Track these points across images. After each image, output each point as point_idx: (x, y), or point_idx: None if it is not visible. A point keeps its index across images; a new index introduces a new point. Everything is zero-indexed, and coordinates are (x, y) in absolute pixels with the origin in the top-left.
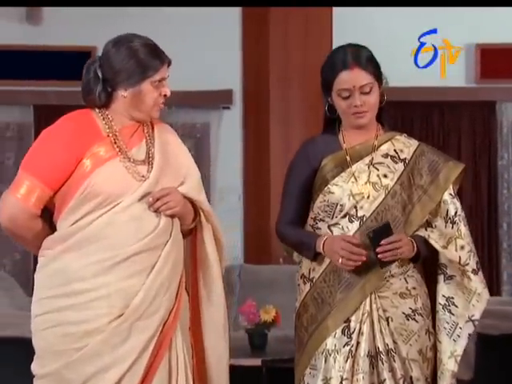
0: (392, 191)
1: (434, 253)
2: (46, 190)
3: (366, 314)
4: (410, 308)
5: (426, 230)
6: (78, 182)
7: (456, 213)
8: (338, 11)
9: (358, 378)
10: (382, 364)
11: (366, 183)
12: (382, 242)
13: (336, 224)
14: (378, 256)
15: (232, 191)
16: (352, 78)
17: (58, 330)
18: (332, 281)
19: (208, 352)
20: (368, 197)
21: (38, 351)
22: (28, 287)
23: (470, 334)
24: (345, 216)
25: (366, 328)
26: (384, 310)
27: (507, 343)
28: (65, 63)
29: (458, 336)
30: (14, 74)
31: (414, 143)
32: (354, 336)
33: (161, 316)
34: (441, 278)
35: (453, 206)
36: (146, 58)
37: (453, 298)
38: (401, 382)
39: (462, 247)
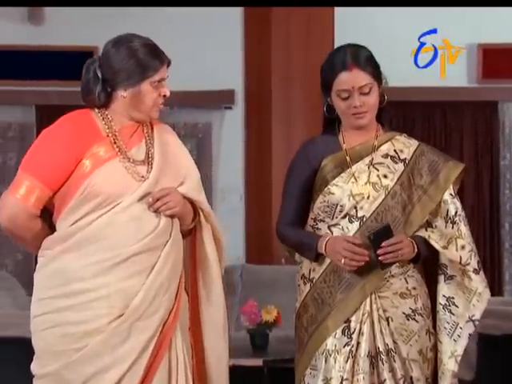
0: (392, 191)
1: (435, 253)
2: (46, 190)
3: (366, 315)
4: (410, 308)
5: (426, 230)
6: (77, 182)
7: (456, 213)
8: (339, 11)
9: (358, 378)
10: (383, 364)
11: (366, 183)
12: (383, 244)
13: (336, 224)
14: (379, 258)
15: (234, 191)
16: (351, 78)
17: (57, 330)
18: (332, 281)
19: (208, 352)
20: (368, 197)
21: (38, 351)
22: (30, 287)
23: (470, 334)
24: (345, 216)
25: (366, 328)
26: (384, 310)
27: (509, 343)
28: (67, 63)
29: (459, 336)
30: (16, 74)
31: (414, 143)
32: (355, 336)
33: (160, 316)
34: (441, 278)
35: (453, 205)
36: (146, 58)
37: (453, 297)
38: (401, 382)
39: (463, 247)
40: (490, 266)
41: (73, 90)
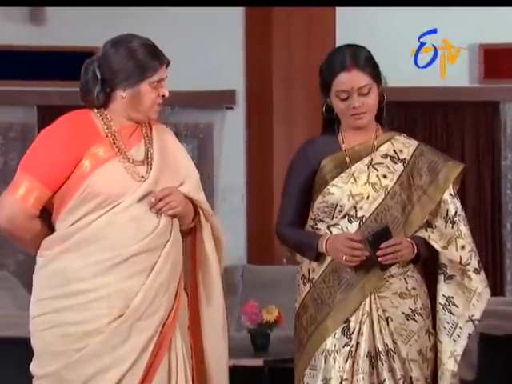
0: (391, 192)
1: (434, 253)
2: (45, 190)
3: (365, 315)
4: (410, 308)
5: (426, 230)
6: (77, 182)
7: (456, 213)
8: (341, 11)
9: (357, 378)
10: (382, 364)
11: (365, 184)
12: (382, 246)
13: (336, 224)
14: (379, 259)
15: (235, 191)
16: (350, 79)
17: (56, 330)
18: (332, 281)
19: (207, 352)
20: (367, 197)
21: (37, 352)
22: (31, 288)
23: (470, 334)
24: (344, 216)
25: (365, 328)
26: (384, 310)
27: (511, 343)
28: (68, 63)
29: (458, 336)
30: (18, 74)
31: (414, 143)
32: (354, 336)
33: (160, 316)
34: (441, 277)
35: (453, 206)
36: (145, 58)
37: (453, 297)
38: (400, 382)
39: (463, 247)
40: (492, 267)
41: (74, 91)
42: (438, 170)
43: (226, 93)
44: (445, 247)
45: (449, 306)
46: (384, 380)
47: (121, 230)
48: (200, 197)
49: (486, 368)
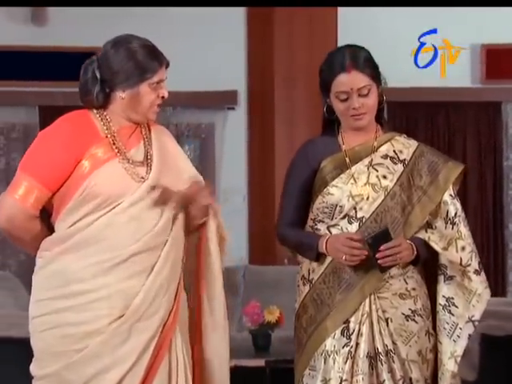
0: (391, 192)
1: (435, 254)
2: (45, 190)
3: (365, 315)
4: (410, 309)
5: (426, 231)
6: (76, 183)
7: (456, 214)
8: (342, 11)
9: (357, 379)
10: (382, 365)
11: (365, 184)
12: (382, 248)
13: (335, 225)
14: (378, 262)
15: (237, 192)
16: (349, 80)
17: (56, 331)
18: (331, 282)
19: (209, 353)
20: (367, 198)
21: (37, 353)
22: None
23: (470, 335)
24: (344, 217)
25: (365, 329)
26: (383, 311)
27: None
28: (70, 64)
29: (458, 336)
30: (20, 74)
31: (414, 144)
32: (353, 337)
33: (160, 317)
34: (441, 278)
35: (453, 206)
36: (145, 59)
37: (453, 298)
38: (400, 383)
39: (463, 248)
40: (494, 267)
41: (76, 91)
42: (438, 170)
43: (227, 93)
44: (445, 248)
45: (449, 306)
46: (383, 381)
47: (121, 230)
48: None
49: (487, 368)
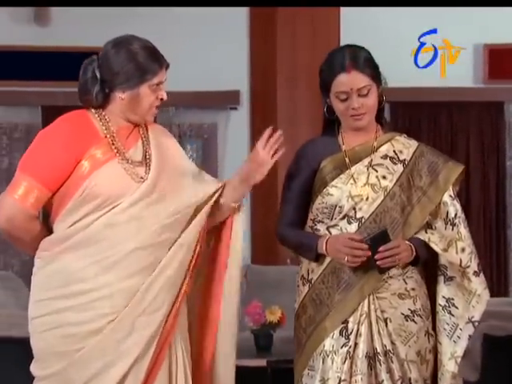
0: (391, 193)
1: (434, 254)
2: (44, 190)
3: (364, 315)
4: (409, 309)
5: (426, 232)
6: (76, 183)
7: (456, 215)
8: (345, 11)
9: (356, 379)
10: (380, 365)
11: (364, 185)
12: (380, 249)
13: (335, 225)
14: (377, 263)
15: None
16: (349, 80)
17: (57, 331)
18: (330, 282)
19: (217, 350)
20: (367, 198)
21: (38, 353)
22: None
23: (470, 336)
24: (344, 218)
25: (363, 329)
26: (382, 311)
27: None
28: (73, 64)
29: (459, 337)
30: (23, 74)
31: (414, 144)
32: (352, 337)
33: (163, 313)
34: (441, 279)
35: (453, 207)
36: (145, 61)
37: (453, 299)
38: (399, 383)
39: (463, 249)
40: (496, 267)
41: None
42: (438, 170)
43: (230, 93)
44: (445, 250)
45: (449, 307)
46: (382, 381)
47: (121, 229)
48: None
49: (489, 369)
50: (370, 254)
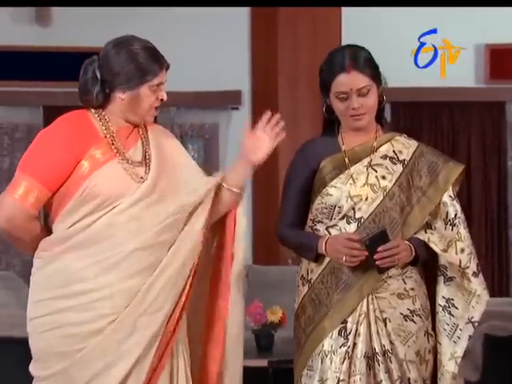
0: (390, 193)
1: (434, 254)
2: (44, 190)
3: (362, 315)
4: (409, 309)
5: (425, 232)
6: (76, 183)
7: (456, 215)
8: (346, 11)
9: (354, 379)
10: (379, 365)
11: (364, 185)
12: (379, 249)
13: (334, 226)
14: (376, 263)
15: None
16: (349, 80)
17: (58, 331)
18: (330, 282)
19: (226, 350)
20: (366, 198)
21: (38, 353)
22: None
23: (470, 336)
24: (343, 218)
25: (362, 329)
26: (381, 311)
27: None
28: (74, 64)
29: (458, 338)
30: (24, 75)
31: (414, 144)
32: (351, 337)
33: (165, 313)
34: (441, 279)
35: (452, 208)
36: (146, 62)
37: (453, 299)
38: (397, 383)
39: (462, 250)
40: (498, 267)
41: None
42: (437, 171)
43: (231, 93)
44: (444, 250)
45: (449, 307)
46: (381, 381)
47: (121, 230)
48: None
49: (490, 369)
50: (366, 253)
